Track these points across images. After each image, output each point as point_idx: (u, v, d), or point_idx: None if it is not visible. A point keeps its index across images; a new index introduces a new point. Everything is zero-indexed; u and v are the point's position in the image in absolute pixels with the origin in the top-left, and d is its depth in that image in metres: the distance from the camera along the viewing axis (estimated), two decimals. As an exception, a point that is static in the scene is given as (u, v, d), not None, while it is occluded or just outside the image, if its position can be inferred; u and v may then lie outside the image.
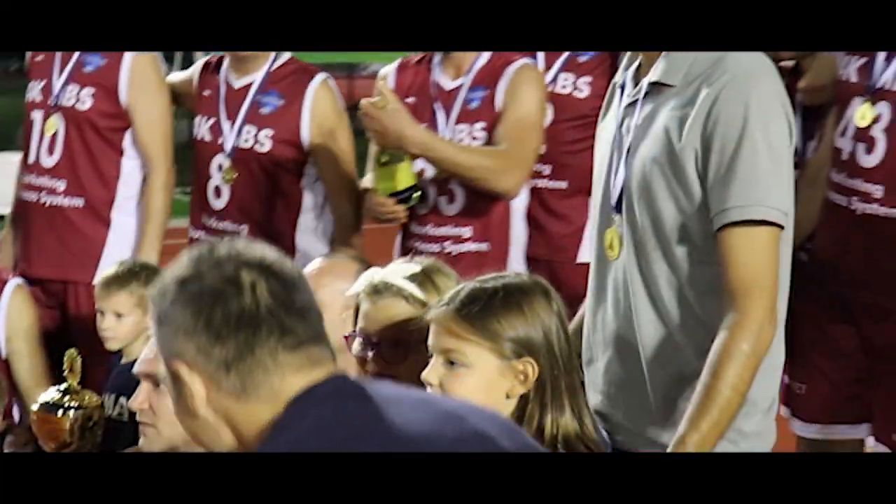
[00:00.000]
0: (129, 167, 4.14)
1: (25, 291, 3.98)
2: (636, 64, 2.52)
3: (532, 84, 3.72)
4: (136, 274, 3.62)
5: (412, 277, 2.47)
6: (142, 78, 4.05)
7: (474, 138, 3.68)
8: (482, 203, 3.69)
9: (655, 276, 2.38)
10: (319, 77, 3.96)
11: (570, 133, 3.92)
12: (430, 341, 2.23)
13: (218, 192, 3.99)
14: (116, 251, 4.13)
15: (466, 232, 3.71)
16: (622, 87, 2.54)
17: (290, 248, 3.97)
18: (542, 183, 3.93)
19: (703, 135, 2.31)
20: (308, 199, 3.99)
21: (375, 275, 2.51)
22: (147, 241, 4.10)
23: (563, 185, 3.94)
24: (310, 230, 4.02)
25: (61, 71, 4.12)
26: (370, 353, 2.49)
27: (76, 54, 4.11)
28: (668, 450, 2.26)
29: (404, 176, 3.58)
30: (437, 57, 3.76)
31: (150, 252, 4.05)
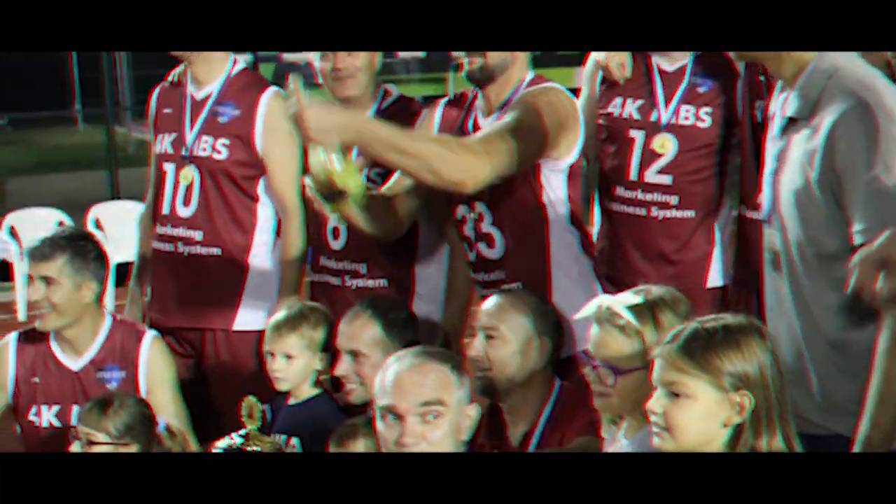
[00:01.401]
0: (264, 214, 4.26)
1: (163, 343, 4.12)
2: (785, 93, 2.90)
3: (535, 96, 3.61)
4: (305, 317, 3.78)
5: (633, 308, 2.75)
6: (275, 125, 4.15)
7: None
8: (517, 247, 3.71)
9: (803, 285, 2.83)
10: (426, 111, 4.03)
11: (694, 163, 4.07)
12: (655, 375, 2.48)
13: (336, 232, 4.12)
14: (254, 298, 4.28)
15: (502, 275, 3.74)
16: (773, 115, 2.95)
17: (408, 280, 4.12)
18: (669, 213, 4.09)
19: (829, 164, 2.74)
20: (425, 231, 4.12)
21: (604, 301, 2.80)
22: (286, 286, 4.23)
23: (689, 213, 4.09)
24: (429, 261, 4.16)
25: (192, 122, 4.26)
26: (590, 372, 2.80)
27: (207, 107, 4.24)
28: (856, 448, 2.59)
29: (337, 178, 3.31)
30: (480, 99, 3.79)
31: (290, 296, 4.17)
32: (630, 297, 2.79)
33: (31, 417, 4.02)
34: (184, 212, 4.26)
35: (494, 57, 3.62)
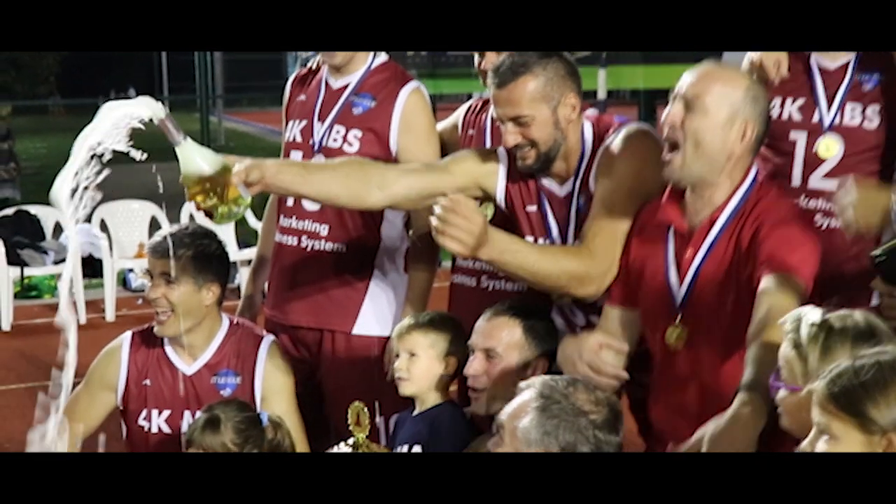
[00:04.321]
0: (395, 213, 4.34)
1: (281, 348, 4.24)
2: None
3: (625, 151, 3.67)
4: (433, 321, 3.89)
5: (813, 325, 2.74)
6: (413, 122, 4.29)
7: None
8: None
9: None
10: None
11: (861, 167, 4.03)
12: (812, 412, 2.45)
13: None
14: (377, 300, 4.41)
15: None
16: None
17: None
18: (835, 222, 4.11)
19: None
20: None
21: (802, 311, 2.81)
22: (415, 292, 4.36)
23: (852, 223, 4.11)
24: None
25: (326, 112, 4.37)
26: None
27: (343, 97, 4.36)
28: None
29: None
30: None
31: (420, 302, 4.30)
32: (816, 315, 2.77)
33: (141, 422, 4.14)
34: (310, 204, 4.36)
35: (545, 143, 3.69)
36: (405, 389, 3.89)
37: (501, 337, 3.69)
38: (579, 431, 2.90)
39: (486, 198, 3.90)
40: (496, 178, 3.90)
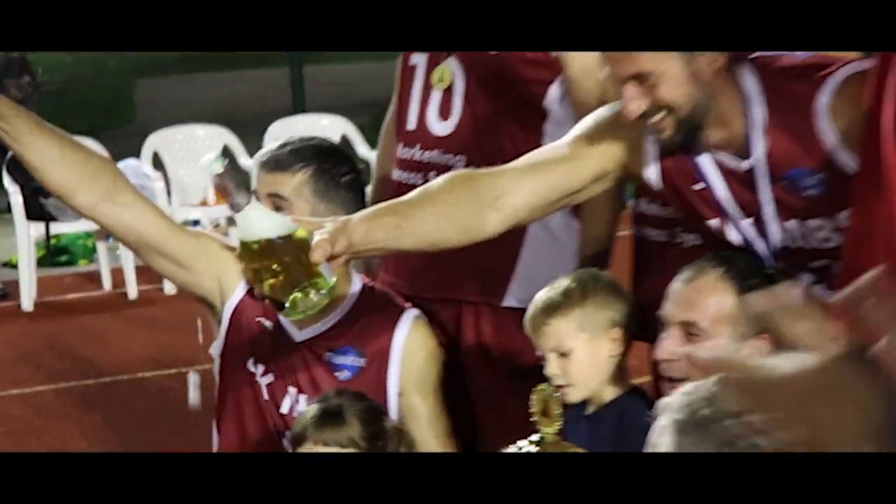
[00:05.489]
0: (556, 136, 4.21)
1: (428, 327, 4.32)
2: None
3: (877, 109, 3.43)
4: (571, 295, 3.93)
5: None
6: None
7: None
8: None
9: None
10: None
11: None
12: None
13: None
14: (537, 258, 4.51)
15: None
16: None
17: None
18: None
19: None
20: None
21: None
22: (592, 244, 4.44)
23: None
24: None
25: None
26: None
27: None
28: None
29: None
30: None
31: (597, 258, 4.39)
32: None
33: (251, 367, 4.22)
34: (439, 128, 4.47)
35: (684, 105, 3.62)
36: (572, 396, 3.95)
37: (707, 306, 3.70)
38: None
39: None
40: (644, 154, 3.87)
